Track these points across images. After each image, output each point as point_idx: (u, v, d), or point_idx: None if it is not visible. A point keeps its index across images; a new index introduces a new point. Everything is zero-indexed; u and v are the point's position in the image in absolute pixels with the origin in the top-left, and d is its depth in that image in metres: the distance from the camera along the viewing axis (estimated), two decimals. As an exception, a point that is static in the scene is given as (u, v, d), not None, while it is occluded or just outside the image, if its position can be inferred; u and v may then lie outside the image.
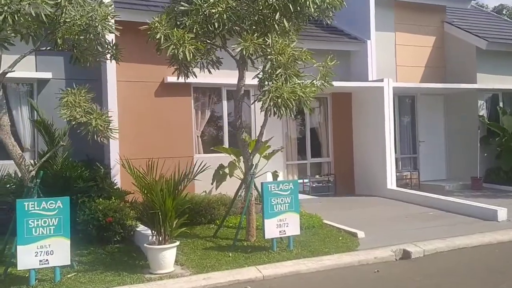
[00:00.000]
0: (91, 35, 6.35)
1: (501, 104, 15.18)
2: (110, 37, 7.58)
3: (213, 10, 6.65)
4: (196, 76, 7.97)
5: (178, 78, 7.81)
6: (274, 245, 7.32)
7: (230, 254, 7.21)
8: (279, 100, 6.98)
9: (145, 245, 6.55)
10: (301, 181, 13.46)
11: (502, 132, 14.27)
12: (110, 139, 6.79)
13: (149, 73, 10.47)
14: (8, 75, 9.59)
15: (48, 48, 6.93)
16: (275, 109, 7.10)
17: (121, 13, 8.01)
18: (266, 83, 7.24)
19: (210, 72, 8.01)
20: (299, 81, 7.32)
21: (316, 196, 13.12)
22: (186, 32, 6.59)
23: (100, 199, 8.12)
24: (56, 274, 6.07)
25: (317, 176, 13.69)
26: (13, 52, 6.75)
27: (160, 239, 6.55)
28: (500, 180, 14.10)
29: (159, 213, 6.47)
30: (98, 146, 10.00)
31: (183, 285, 6.08)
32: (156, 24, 6.51)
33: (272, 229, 7.24)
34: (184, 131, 10.97)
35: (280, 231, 7.29)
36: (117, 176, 9.79)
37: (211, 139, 11.66)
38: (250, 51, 6.60)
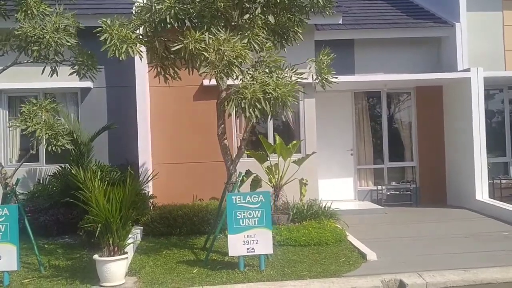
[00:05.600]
0: (42, 45, 6.46)
1: None
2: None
3: (158, 7, 6.18)
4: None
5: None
6: (241, 264, 6.53)
7: (195, 270, 6.66)
8: (243, 102, 6.19)
9: (93, 256, 6.41)
10: (375, 188, 12.05)
11: None
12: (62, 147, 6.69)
13: (186, 77, 10.34)
14: (55, 85, 10.47)
15: (30, 61, 7.21)
16: (241, 112, 6.30)
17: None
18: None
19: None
20: (272, 79, 6.38)
21: (392, 206, 11.56)
22: (131, 32, 6.26)
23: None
24: (5, 279, 6.30)
25: (394, 183, 12.04)
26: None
27: (110, 250, 6.35)
28: None
29: (105, 225, 6.26)
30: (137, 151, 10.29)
31: (112, 301, 5.80)
32: (105, 26, 6.31)
33: (237, 245, 6.47)
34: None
35: (248, 249, 6.48)
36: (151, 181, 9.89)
37: (256, 143, 11.02)
38: (191, 48, 5.93)
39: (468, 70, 10.97)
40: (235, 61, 5.89)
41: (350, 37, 11.94)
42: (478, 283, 6.08)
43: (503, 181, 12.02)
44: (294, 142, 9.77)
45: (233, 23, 6.80)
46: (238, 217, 6.49)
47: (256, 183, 9.59)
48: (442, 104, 12.16)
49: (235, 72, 6.03)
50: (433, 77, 11.21)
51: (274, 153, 9.58)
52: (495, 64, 12.14)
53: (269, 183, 9.54)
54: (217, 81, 6.56)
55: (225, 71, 5.93)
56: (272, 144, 9.86)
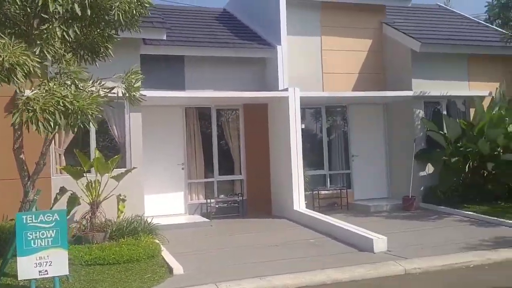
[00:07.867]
0: None
1: (445, 113, 13.45)
2: None
3: None
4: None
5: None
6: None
7: (-20, 298, 6.13)
8: (31, 115, 5.85)
9: None
10: (205, 201, 12.27)
11: (446, 141, 12.51)
12: None
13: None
14: None
15: None
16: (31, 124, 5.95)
17: None
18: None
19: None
20: (70, 91, 6.15)
21: (220, 218, 11.83)
22: None
23: None
24: None
25: (222, 196, 12.40)
26: None
27: None
28: (437, 199, 12.41)
29: None
30: None
31: None
32: None
33: (28, 268, 6.04)
34: (40, 149, 9.97)
35: (40, 271, 6.09)
36: None
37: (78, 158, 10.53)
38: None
39: (286, 90, 11.75)
40: (16, 67, 5.55)
41: (180, 53, 12.08)
42: (270, 291, 6.47)
43: (322, 192, 13.06)
44: (115, 157, 9.55)
45: (28, 32, 6.45)
46: (29, 238, 6.07)
47: (73, 200, 9.18)
48: (267, 121, 12.82)
49: (18, 80, 5.68)
50: (255, 95, 11.81)
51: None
52: (315, 85, 13.22)
53: (86, 200, 9.18)
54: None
55: (4, 78, 5.56)
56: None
